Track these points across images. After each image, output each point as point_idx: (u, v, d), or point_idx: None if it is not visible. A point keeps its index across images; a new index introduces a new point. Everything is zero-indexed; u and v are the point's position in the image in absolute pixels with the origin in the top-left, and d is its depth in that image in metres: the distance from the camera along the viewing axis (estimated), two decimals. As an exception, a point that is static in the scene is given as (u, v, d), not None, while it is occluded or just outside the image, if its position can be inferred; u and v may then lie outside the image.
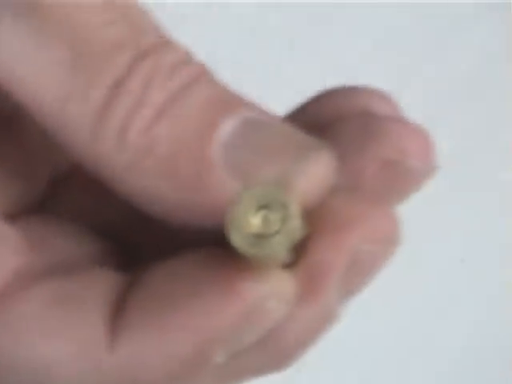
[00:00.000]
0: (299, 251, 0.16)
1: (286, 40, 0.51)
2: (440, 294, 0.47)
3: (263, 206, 0.15)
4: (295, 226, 0.15)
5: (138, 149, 0.16)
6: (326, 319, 0.17)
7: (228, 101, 0.16)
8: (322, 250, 0.16)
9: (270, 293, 0.16)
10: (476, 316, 0.48)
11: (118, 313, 0.16)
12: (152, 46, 0.16)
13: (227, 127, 0.16)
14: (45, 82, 0.16)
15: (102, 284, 0.17)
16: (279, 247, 0.15)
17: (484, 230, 0.49)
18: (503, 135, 0.51)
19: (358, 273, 0.17)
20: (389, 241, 0.17)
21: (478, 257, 0.48)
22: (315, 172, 0.16)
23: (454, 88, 0.51)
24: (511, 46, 0.54)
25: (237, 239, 0.15)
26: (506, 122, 0.51)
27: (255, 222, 0.15)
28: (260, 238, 0.15)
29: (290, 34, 0.51)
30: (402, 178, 0.17)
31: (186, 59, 0.17)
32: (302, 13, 0.51)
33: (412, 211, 0.47)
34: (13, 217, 0.18)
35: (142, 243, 0.19)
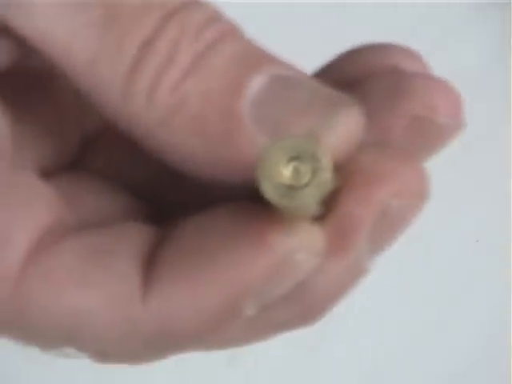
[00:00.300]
0: (329, 205, 0.16)
1: (278, 39, 0.52)
2: (454, 274, 0.48)
3: (294, 158, 0.15)
4: (326, 178, 0.15)
5: (167, 107, 0.16)
6: (355, 273, 0.17)
7: (256, 57, 0.17)
8: (352, 204, 0.16)
9: (300, 245, 0.16)
10: (490, 300, 0.48)
11: (150, 265, 0.16)
12: (179, 6, 0.17)
13: (255, 84, 0.16)
14: (77, 42, 0.16)
15: (134, 237, 0.17)
16: (310, 199, 0.15)
17: (498, 211, 0.49)
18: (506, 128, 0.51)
19: (387, 228, 0.17)
20: (418, 196, 0.17)
21: (493, 237, 0.49)
22: (345, 127, 0.16)
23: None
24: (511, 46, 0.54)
25: (268, 189, 0.15)
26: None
27: (286, 172, 0.15)
28: (291, 189, 0.15)
29: (282, 34, 0.51)
30: (431, 134, 0.17)
31: (214, 17, 0.17)
32: (295, 13, 0.51)
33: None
34: (47, 174, 0.19)
35: (174, 200, 0.19)
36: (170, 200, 0.19)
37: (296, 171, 0.15)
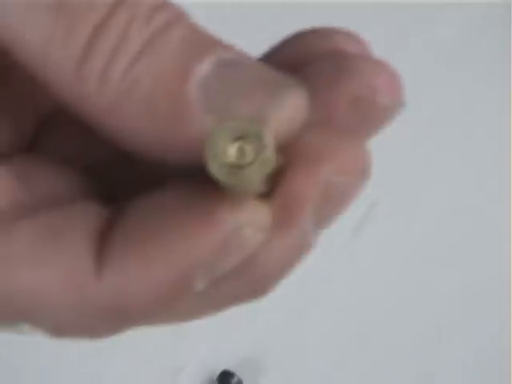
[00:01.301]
0: (274, 182, 0.17)
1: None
2: (434, 246, 0.50)
3: (239, 138, 0.16)
4: (269, 157, 0.16)
5: (118, 89, 0.17)
6: (300, 248, 0.18)
7: (204, 42, 0.17)
8: (297, 181, 0.17)
9: (247, 221, 0.17)
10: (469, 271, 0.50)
11: (104, 242, 0.17)
12: None
13: (203, 68, 0.17)
14: (30, 26, 0.17)
15: (86, 216, 0.18)
16: (254, 176, 0.16)
17: (478, 183, 0.52)
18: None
19: (330, 204, 0.17)
20: (359, 173, 0.17)
21: (471, 210, 0.51)
22: (289, 108, 0.17)
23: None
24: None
25: (214, 169, 0.16)
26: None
27: (231, 152, 0.16)
28: (236, 167, 0.16)
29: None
30: (371, 112, 0.18)
31: (163, 3, 0.17)
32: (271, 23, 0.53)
33: (408, 168, 0.49)
34: (3, 156, 0.19)
35: (128, 180, 0.20)
36: (123, 180, 0.20)
37: (241, 151, 0.16)
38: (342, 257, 0.46)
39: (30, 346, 0.45)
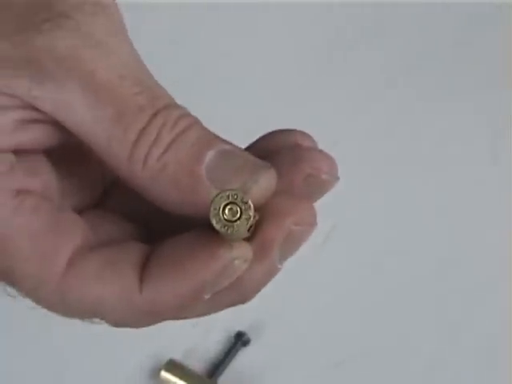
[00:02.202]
0: (254, 230, 0.26)
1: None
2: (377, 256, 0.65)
3: (231, 202, 0.25)
4: (251, 214, 0.25)
5: (155, 169, 0.26)
6: (271, 272, 0.27)
7: (210, 139, 0.26)
8: (269, 230, 0.26)
9: (237, 256, 0.26)
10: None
11: (145, 269, 0.26)
12: (163, 107, 0.26)
13: (210, 155, 0.26)
14: (99, 129, 0.26)
15: (133, 251, 0.27)
16: (241, 227, 0.25)
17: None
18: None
19: (291, 243, 0.27)
20: (310, 224, 0.27)
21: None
22: (263, 182, 0.26)
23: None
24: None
25: (214, 222, 0.25)
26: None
27: (226, 211, 0.25)
28: (229, 221, 0.25)
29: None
30: (318, 185, 0.27)
31: (184, 113, 0.27)
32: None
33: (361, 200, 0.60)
34: (80, 211, 0.29)
35: (161, 227, 0.29)
36: (159, 226, 0.29)
37: (232, 211, 0.25)
38: (315, 259, 0.62)
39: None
